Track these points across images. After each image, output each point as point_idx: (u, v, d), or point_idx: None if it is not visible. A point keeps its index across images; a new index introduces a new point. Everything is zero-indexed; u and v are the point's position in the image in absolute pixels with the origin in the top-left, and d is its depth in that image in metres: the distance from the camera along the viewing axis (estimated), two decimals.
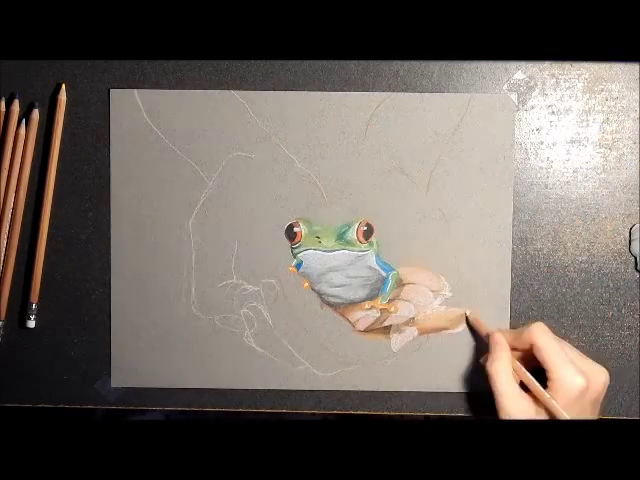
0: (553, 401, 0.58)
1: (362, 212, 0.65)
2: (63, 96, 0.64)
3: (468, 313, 0.65)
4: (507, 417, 0.59)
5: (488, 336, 0.62)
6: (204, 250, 0.66)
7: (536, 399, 0.59)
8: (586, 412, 0.59)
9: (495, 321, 0.65)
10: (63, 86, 0.64)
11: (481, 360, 0.64)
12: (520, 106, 0.65)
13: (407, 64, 0.65)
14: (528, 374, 0.60)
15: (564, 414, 0.57)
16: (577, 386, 0.58)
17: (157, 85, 0.65)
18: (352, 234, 0.65)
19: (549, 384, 0.59)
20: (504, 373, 0.59)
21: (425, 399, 0.67)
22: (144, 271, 0.66)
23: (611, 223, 0.66)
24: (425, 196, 0.65)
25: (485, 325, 0.64)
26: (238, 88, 0.65)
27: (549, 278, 0.66)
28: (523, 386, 0.60)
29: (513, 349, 0.61)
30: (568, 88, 0.65)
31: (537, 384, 0.59)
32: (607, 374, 0.60)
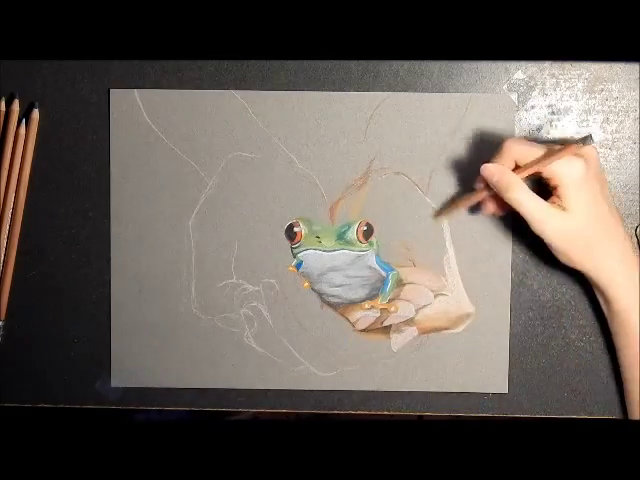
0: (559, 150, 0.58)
1: (362, 212, 0.65)
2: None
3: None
4: (548, 231, 0.58)
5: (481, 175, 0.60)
6: (204, 250, 0.66)
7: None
8: (599, 187, 0.59)
9: (495, 321, 0.65)
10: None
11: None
12: (520, 106, 0.65)
13: (407, 64, 0.65)
14: (530, 168, 0.59)
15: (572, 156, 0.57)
16: (579, 166, 0.57)
17: (157, 85, 0.65)
18: (352, 234, 0.65)
19: (554, 182, 0.58)
20: (523, 192, 0.58)
21: (425, 399, 0.67)
22: (144, 271, 0.66)
23: None
24: (425, 196, 0.65)
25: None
26: (238, 88, 0.65)
27: (549, 278, 0.66)
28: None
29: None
30: (568, 88, 0.65)
31: (542, 161, 0.58)
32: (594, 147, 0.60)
